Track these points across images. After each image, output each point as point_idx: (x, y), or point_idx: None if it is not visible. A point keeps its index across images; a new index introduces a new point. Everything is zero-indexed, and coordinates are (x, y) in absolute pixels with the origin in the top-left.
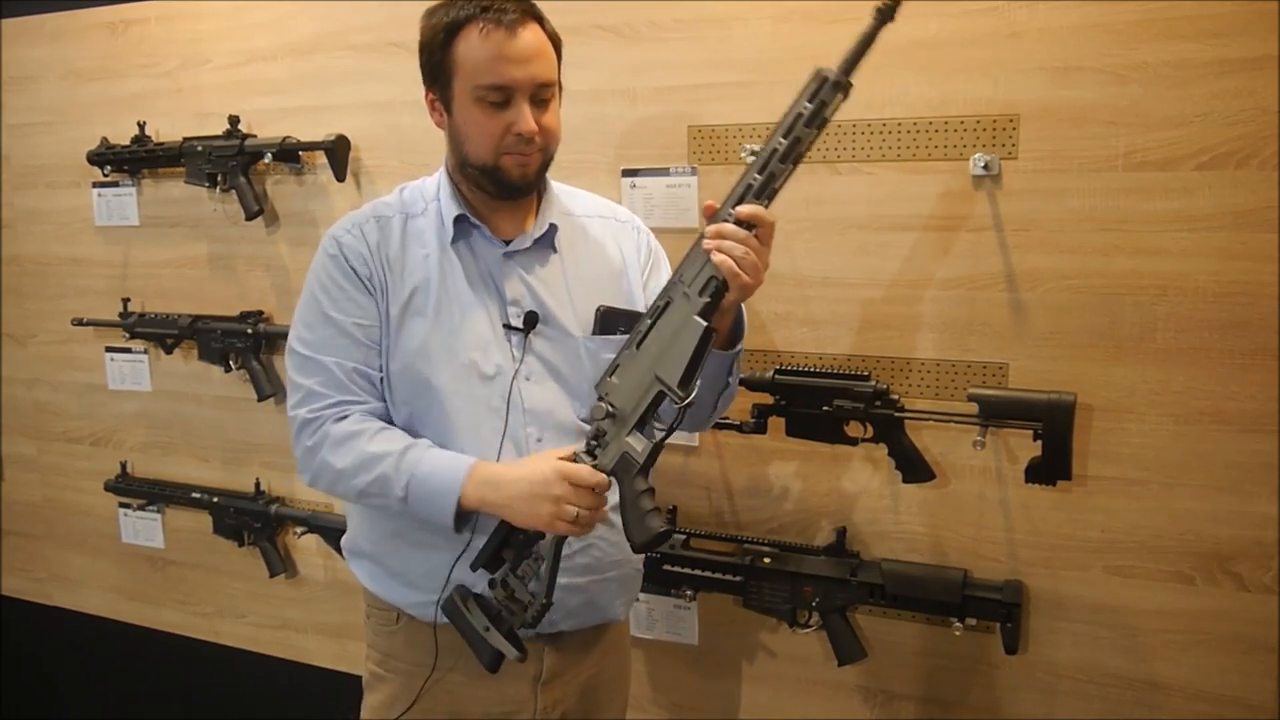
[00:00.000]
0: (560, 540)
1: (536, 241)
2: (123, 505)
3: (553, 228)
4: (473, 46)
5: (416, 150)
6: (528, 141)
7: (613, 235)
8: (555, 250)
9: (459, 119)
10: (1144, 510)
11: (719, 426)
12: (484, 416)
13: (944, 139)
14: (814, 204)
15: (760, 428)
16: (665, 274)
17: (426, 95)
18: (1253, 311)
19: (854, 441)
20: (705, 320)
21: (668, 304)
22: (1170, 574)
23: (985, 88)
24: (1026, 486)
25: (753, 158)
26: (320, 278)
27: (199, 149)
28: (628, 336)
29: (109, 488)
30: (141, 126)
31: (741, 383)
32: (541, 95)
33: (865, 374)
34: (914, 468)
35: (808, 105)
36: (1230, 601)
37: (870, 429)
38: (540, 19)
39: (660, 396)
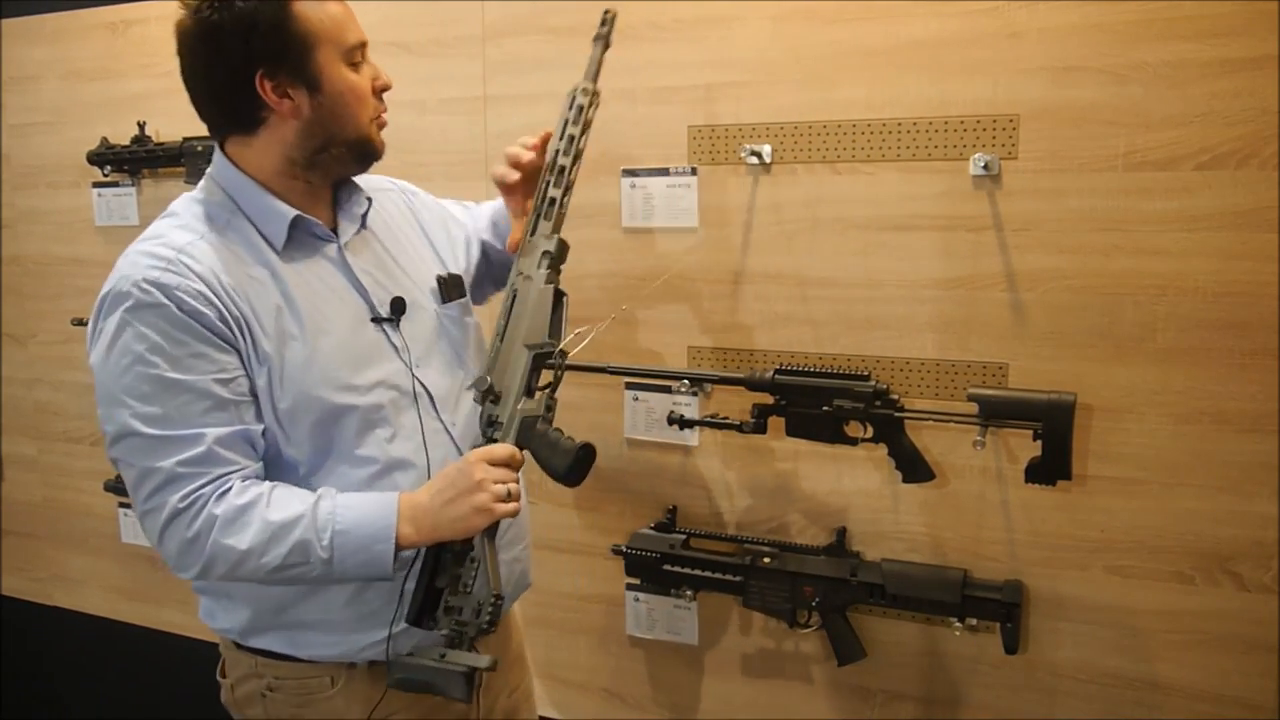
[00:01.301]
0: (493, 531)
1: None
2: (123, 505)
3: (370, 203)
4: (320, 10)
5: (415, 150)
6: (379, 98)
7: (399, 203)
8: (368, 227)
9: (335, 91)
10: (1144, 510)
11: (718, 426)
12: (399, 420)
13: (944, 139)
14: (814, 204)
15: (760, 428)
16: (457, 209)
17: (262, 84)
18: (1253, 311)
19: (854, 441)
20: (553, 284)
21: (514, 295)
22: (1170, 574)
23: (985, 88)
24: (1026, 486)
25: (753, 158)
26: (144, 337)
27: (199, 149)
28: (492, 341)
29: (109, 488)
30: (141, 126)
31: (741, 383)
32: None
33: (865, 374)
34: (914, 468)
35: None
36: (1230, 601)
37: (870, 429)
38: None
39: (537, 360)
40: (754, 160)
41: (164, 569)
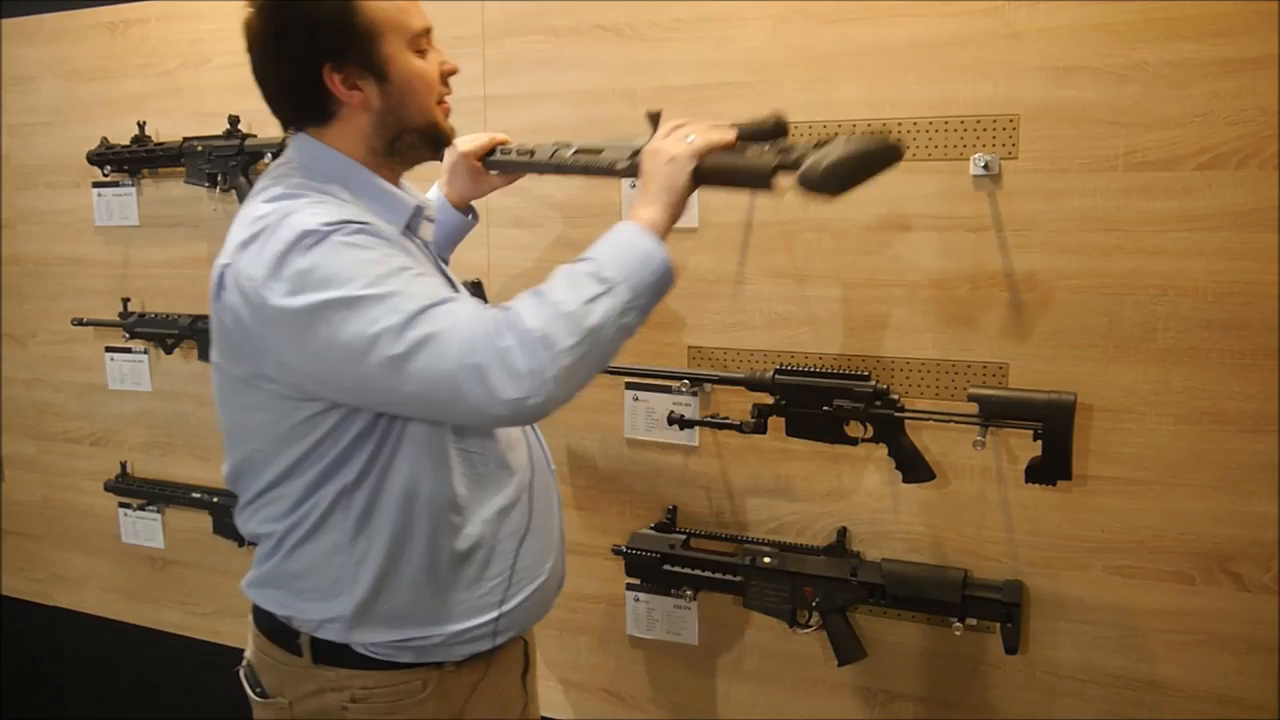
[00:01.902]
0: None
1: None
2: (123, 505)
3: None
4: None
5: None
6: (445, 83)
7: None
8: None
9: (403, 79)
10: (1144, 510)
11: (718, 426)
12: None
13: (944, 139)
14: (814, 204)
15: (760, 428)
16: None
17: (331, 78)
18: (1253, 311)
19: (854, 441)
20: None
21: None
22: (1170, 574)
23: (985, 88)
24: (1026, 486)
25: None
26: (361, 246)
27: (199, 149)
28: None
29: (109, 488)
30: (141, 126)
31: (741, 383)
32: None
33: (865, 374)
34: (914, 468)
35: None
36: (1230, 601)
37: (870, 429)
38: None
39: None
40: None
41: (163, 569)
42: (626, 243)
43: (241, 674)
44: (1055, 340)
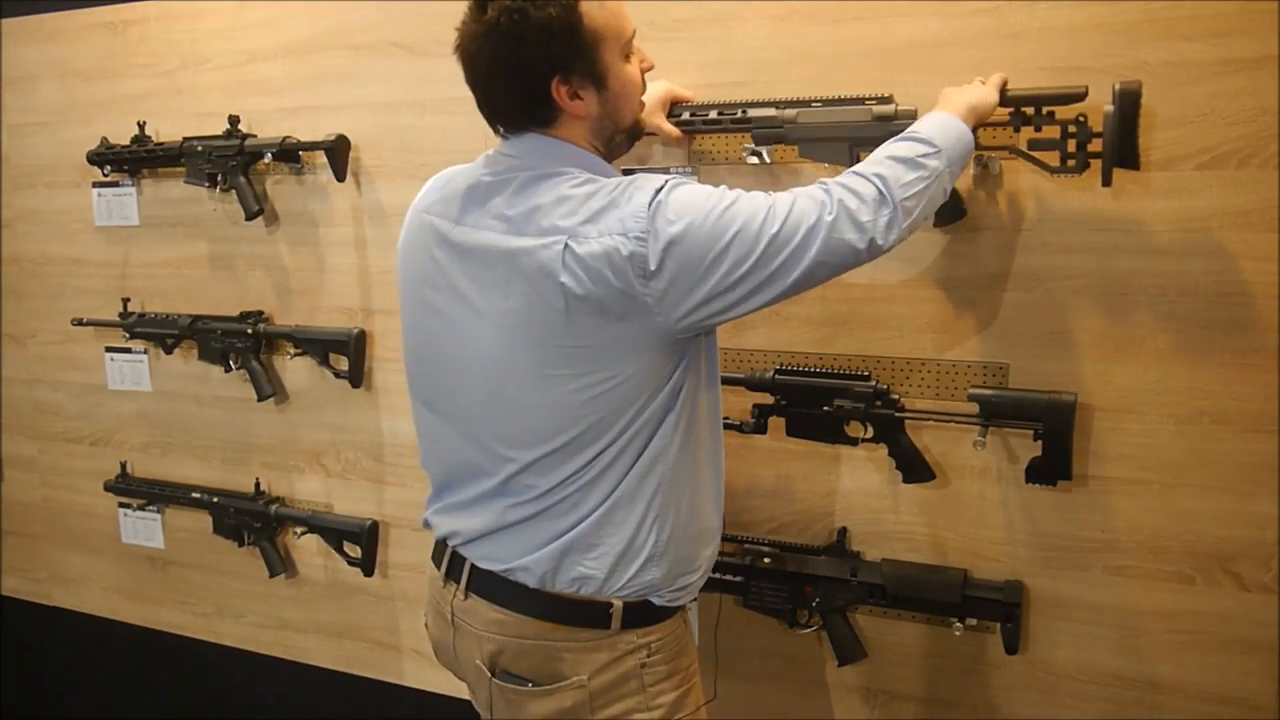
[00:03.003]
0: None
1: None
2: (122, 505)
3: None
4: (602, 9)
5: (416, 150)
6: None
7: None
8: None
9: (620, 84)
10: (1144, 510)
11: None
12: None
13: None
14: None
15: (760, 428)
16: None
17: (558, 89)
18: (1253, 311)
19: (854, 441)
20: None
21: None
22: (1170, 574)
23: None
24: (1026, 486)
25: (754, 158)
26: (694, 183)
27: (199, 149)
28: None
29: (109, 488)
30: (141, 126)
31: (741, 383)
32: None
33: (865, 374)
34: (914, 468)
35: None
36: (1230, 601)
37: (870, 429)
38: None
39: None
40: (754, 160)
41: (163, 569)
42: (944, 122)
43: (501, 681)
44: (1055, 340)
